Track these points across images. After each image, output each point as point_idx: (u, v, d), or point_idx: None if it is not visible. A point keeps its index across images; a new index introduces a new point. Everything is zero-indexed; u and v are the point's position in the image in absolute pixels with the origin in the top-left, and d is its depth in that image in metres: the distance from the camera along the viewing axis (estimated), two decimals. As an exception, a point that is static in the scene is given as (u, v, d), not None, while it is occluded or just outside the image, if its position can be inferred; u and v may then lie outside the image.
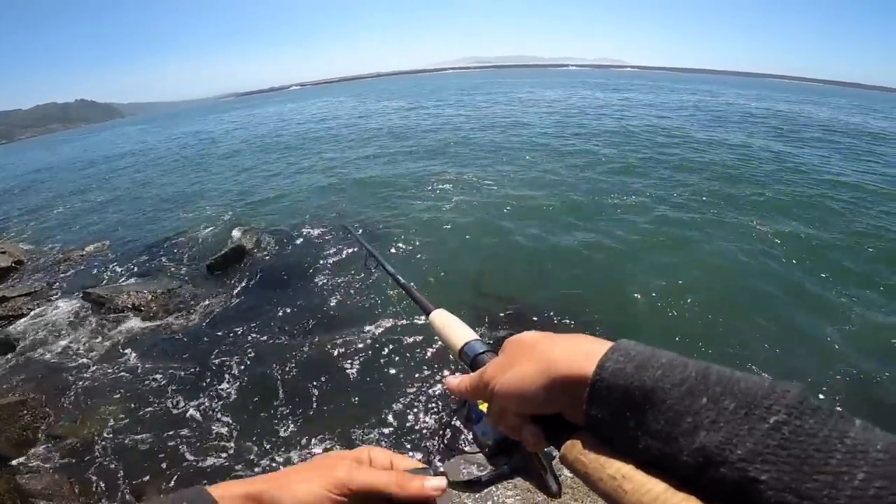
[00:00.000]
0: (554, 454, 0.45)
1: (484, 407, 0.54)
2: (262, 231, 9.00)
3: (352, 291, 6.35)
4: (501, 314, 5.40)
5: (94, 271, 8.39)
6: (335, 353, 5.03)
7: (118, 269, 8.29)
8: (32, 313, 6.97)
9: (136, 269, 8.22)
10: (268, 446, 3.94)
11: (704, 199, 9.23)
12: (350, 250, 7.57)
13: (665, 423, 0.31)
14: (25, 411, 4.65)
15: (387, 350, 4.97)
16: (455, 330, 0.68)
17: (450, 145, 15.62)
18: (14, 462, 4.08)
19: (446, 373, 4.45)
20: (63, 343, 6.03)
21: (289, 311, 6.09)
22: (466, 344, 0.63)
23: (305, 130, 24.71)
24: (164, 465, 3.88)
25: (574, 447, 0.37)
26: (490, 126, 19.48)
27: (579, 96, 34.73)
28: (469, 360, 0.61)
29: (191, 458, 3.92)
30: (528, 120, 20.89)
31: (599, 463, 0.34)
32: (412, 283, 0.98)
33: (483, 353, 0.60)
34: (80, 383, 5.13)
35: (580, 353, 0.38)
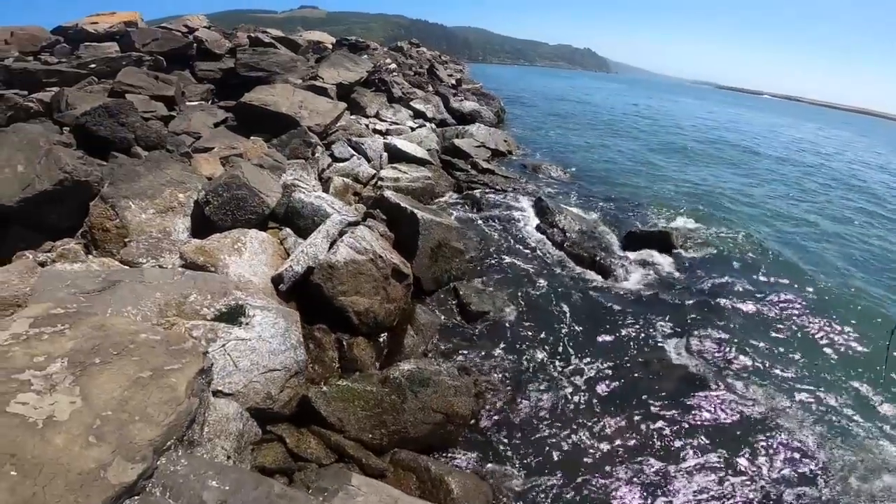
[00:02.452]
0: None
1: None
2: (709, 233, 8.31)
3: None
4: None
5: (550, 186, 9.94)
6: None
7: (566, 193, 9.56)
8: (498, 190, 8.86)
9: (578, 201, 9.21)
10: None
11: None
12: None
13: None
14: (457, 258, 5.83)
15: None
16: None
17: None
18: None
19: None
20: (507, 220, 7.44)
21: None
22: None
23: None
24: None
25: None
26: None
27: None
28: None
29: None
30: None
31: None
32: None
33: None
34: (495, 261, 6.28)
35: None
